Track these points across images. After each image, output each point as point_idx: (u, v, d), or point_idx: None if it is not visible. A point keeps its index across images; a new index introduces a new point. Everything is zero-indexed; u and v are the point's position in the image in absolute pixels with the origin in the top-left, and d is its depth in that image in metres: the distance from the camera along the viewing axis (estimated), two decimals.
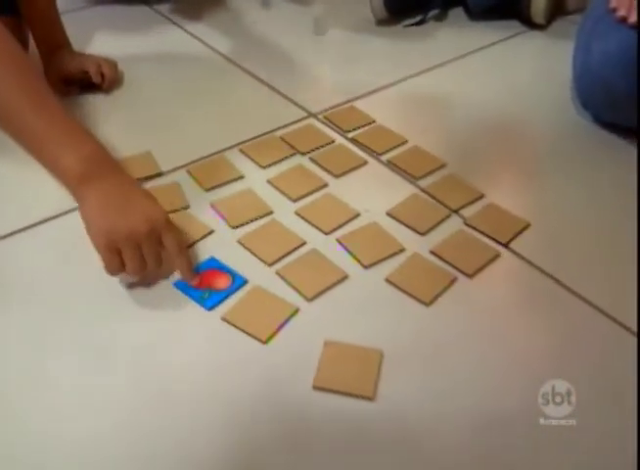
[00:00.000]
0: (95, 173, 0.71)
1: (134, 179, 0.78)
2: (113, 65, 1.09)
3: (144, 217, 0.70)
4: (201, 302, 0.71)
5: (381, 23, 1.33)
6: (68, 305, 0.72)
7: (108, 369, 0.65)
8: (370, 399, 0.62)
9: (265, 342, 0.68)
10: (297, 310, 0.71)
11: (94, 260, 0.71)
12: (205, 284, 0.73)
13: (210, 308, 0.71)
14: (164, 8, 1.39)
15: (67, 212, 0.82)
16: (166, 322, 0.70)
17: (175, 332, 0.69)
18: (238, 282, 0.74)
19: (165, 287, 0.73)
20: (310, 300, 0.72)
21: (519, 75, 1.19)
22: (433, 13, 1.35)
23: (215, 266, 0.75)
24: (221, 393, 0.63)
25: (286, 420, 0.61)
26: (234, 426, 0.61)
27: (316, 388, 0.63)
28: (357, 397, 0.63)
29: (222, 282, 0.74)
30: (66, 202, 0.79)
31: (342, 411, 0.62)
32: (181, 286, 0.73)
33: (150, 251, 0.70)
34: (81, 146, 0.72)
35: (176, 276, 0.74)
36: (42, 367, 0.65)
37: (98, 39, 1.26)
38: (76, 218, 0.79)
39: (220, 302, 0.72)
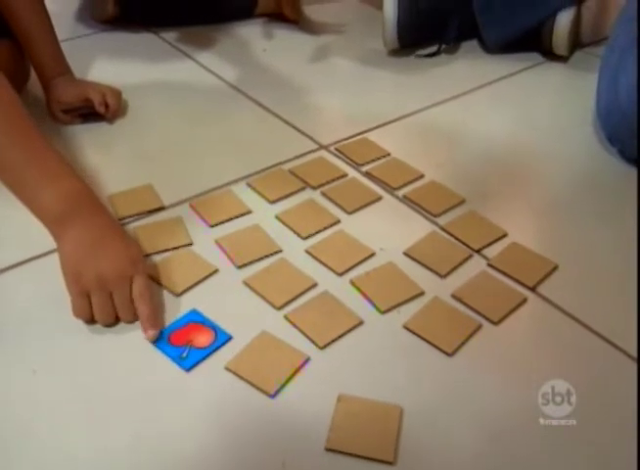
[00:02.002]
0: (72, 213, 0.69)
1: (113, 219, 0.75)
2: (117, 94, 1.05)
3: (114, 261, 0.68)
4: (178, 362, 0.64)
5: (392, 53, 1.30)
6: (53, 347, 0.66)
7: (100, 423, 0.59)
8: (390, 463, 0.56)
9: (272, 395, 0.61)
10: (307, 360, 0.65)
11: None
12: (185, 340, 0.66)
13: (189, 369, 0.64)
14: (171, 36, 1.36)
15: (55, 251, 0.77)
16: (164, 370, 0.64)
17: (172, 382, 0.63)
18: (221, 339, 0.67)
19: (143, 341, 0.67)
20: (322, 348, 0.66)
21: (538, 108, 1.15)
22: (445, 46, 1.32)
23: (197, 320, 0.69)
24: (221, 452, 0.57)
25: None
26: None
27: (329, 450, 0.57)
28: (376, 460, 0.56)
29: (204, 339, 0.67)
30: (49, 242, 0.74)
31: None
32: (159, 343, 0.66)
33: (120, 299, 0.67)
34: (60, 184, 0.70)
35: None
36: (27, 422, 0.59)
37: (102, 67, 1.22)
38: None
39: (200, 361, 0.65)
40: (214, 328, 0.68)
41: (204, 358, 0.65)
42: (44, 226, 0.70)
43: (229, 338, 0.67)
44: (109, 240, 0.70)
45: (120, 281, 0.67)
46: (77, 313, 0.67)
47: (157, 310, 0.69)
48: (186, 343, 0.66)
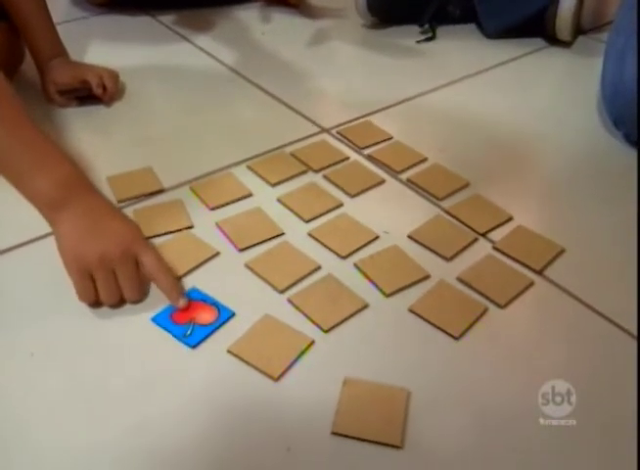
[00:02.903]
0: (68, 198, 0.68)
1: (109, 202, 0.73)
2: (114, 76, 1.03)
3: (116, 239, 0.66)
4: (183, 340, 0.63)
5: (373, 27, 1.31)
6: (51, 333, 0.65)
7: (99, 407, 0.58)
8: (397, 446, 0.55)
9: (276, 379, 0.60)
10: (312, 343, 0.64)
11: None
12: (188, 318, 0.65)
13: (195, 346, 0.63)
14: (167, 19, 1.34)
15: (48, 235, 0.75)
16: (165, 354, 0.63)
17: (174, 366, 0.62)
18: (224, 315, 0.66)
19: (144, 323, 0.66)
20: (327, 331, 0.65)
21: (542, 92, 1.14)
22: (441, 27, 1.30)
23: (198, 298, 0.68)
24: (225, 436, 0.56)
25: None
26: None
27: (335, 433, 0.56)
28: (383, 444, 0.55)
29: (207, 316, 0.66)
30: (46, 225, 0.73)
31: (366, 461, 0.54)
32: (160, 321, 0.65)
33: (125, 276, 0.65)
34: (56, 169, 0.69)
35: (159, 306, 0.67)
36: (24, 407, 0.58)
37: (98, 50, 1.20)
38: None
39: (205, 338, 0.64)
40: (217, 305, 0.67)
41: (208, 335, 0.64)
42: (39, 212, 0.69)
43: (232, 314, 0.66)
44: (107, 220, 0.69)
45: (124, 258, 0.65)
46: (82, 296, 0.66)
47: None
48: (189, 320, 0.65)
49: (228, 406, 0.58)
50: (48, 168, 0.69)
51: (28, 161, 0.69)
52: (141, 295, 0.67)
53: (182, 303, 0.66)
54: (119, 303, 0.67)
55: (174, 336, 0.64)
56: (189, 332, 0.64)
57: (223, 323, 0.65)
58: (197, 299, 0.67)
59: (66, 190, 0.68)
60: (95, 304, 0.67)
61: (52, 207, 0.68)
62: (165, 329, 0.64)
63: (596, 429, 0.57)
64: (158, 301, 0.67)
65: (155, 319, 0.65)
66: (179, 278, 0.70)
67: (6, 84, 0.72)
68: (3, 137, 0.69)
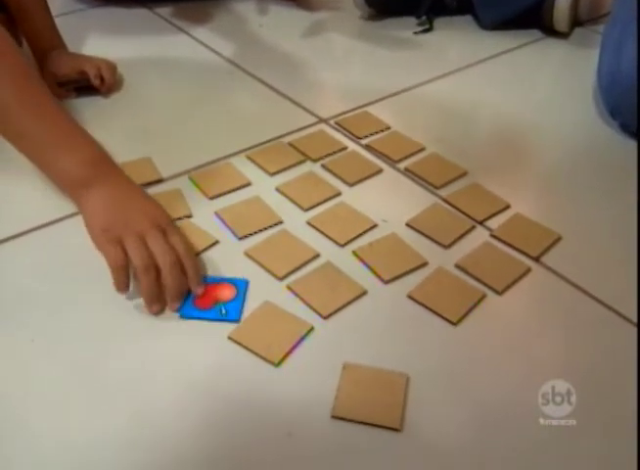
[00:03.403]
0: (95, 177, 0.68)
1: (135, 183, 0.74)
2: (112, 67, 1.04)
3: (144, 213, 0.67)
4: (224, 318, 0.64)
5: (370, 18, 1.32)
6: (51, 320, 0.65)
7: (99, 395, 0.58)
8: (397, 429, 0.55)
9: (277, 364, 0.61)
10: (311, 329, 0.64)
11: (78, 274, 0.67)
12: (212, 301, 0.66)
13: (238, 319, 0.64)
14: (165, 11, 1.34)
15: (53, 222, 0.76)
16: (165, 342, 0.63)
17: (175, 353, 0.62)
18: (241, 285, 0.68)
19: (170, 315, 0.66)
20: (326, 317, 0.66)
21: (539, 83, 1.14)
22: (438, 18, 1.30)
23: (210, 281, 0.68)
24: (226, 423, 0.56)
25: (301, 454, 0.54)
26: (242, 460, 0.54)
27: (335, 417, 0.56)
28: (382, 427, 0.56)
29: (227, 292, 0.67)
30: (51, 212, 0.76)
31: (366, 443, 0.55)
32: (189, 313, 0.65)
33: (157, 242, 0.64)
34: (82, 149, 0.70)
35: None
36: (24, 394, 0.58)
37: (96, 42, 1.20)
38: (62, 230, 0.75)
39: (241, 308, 0.65)
40: (229, 280, 0.68)
41: (242, 306, 0.65)
42: (65, 192, 0.69)
43: (247, 282, 0.68)
44: (135, 197, 0.69)
45: (154, 229, 0.65)
46: (113, 260, 0.63)
47: None
48: (215, 302, 0.66)
49: (229, 392, 0.59)
50: (74, 148, 0.70)
51: (54, 141, 0.69)
52: (178, 257, 0.65)
53: (201, 290, 0.66)
54: (154, 270, 0.64)
55: (212, 319, 0.64)
56: (223, 310, 0.65)
57: (245, 291, 0.67)
58: (208, 282, 0.68)
59: (92, 169, 0.69)
60: (126, 273, 0.64)
61: (78, 186, 0.68)
62: (198, 318, 0.65)
63: (596, 423, 0.57)
64: None
65: (183, 313, 0.65)
66: None
67: (24, 59, 0.72)
68: (27, 117, 0.69)
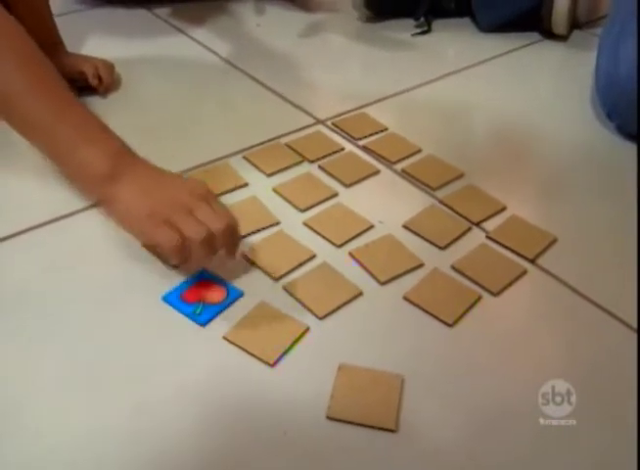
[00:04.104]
0: (121, 169, 0.66)
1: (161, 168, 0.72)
2: (110, 67, 1.04)
3: (185, 188, 0.65)
4: (193, 317, 0.64)
5: (368, 20, 1.32)
6: (51, 318, 0.65)
7: (98, 393, 0.58)
8: (392, 430, 0.55)
9: (272, 365, 0.61)
10: (307, 330, 0.64)
11: (78, 272, 0.67)
12: (198, 298, 0.66)
13: (205, 324, 0.64)
14: (163, 11, 1.34)
15: (53, 221, 0.76)
16: (159, 340, 0.63)
17: (169, 352, 0.62)
18: (233, 295, 0.67)
19: (153, 302, 0.66)
20: (322, 318, 0.66)
21: (536, 85, 1.14)
22: (436, 20, 1.31)
23: (207, 278, 0.69)
24: (221, 423, 0.56)
25: (296, 456, 0.54)
26: (237, 461, 0.54)
27: (331, 418, 0.56)
28: (378, 428, 0.56)
29: (216, 295, 0.67)
30: (49, 211, 0.76)
31: (361, 444, 0.55)
32: (171, 300, 0.66)
33: (202, 211, 0.63)
34: (103, 141, 0.68)
35: (165, 289, 0.67)
36: (23, 385, 0.58)
37: (94, 43, 1.20)
38: (62, 228, 0.75)
39: (215, 316, 0.65)
40: (225, 285, 0.68)
41: (217, 314, 0.65)
42: (83, 188, 0.67)
43: (241, 294, 0.67)
44: (166, 176, 0.68)
45: (198, 200, 0.63)
46: (168, 242, 0.61)
47: None
48: (199, 299, 0.66)
49: (224, 393, 0.59)
50: (95, 140, 0.67)
51: (72, 133, 0.66)
52: (233, 220, 0.64)
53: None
54: (210, 241, 0.63)
55: (184, 314, 0.65)
56: (199, 310, 0.65)
57: (232, 302, 0.66)
58: (206, 279, 0.68)
59: (116, 160, 0.66)
60: (184, 249, 0.62)
61: (103, 180, 0.65)
62: (175, 308, 0.65)
63: (594, 423, 0.57)
64: (167, 281, 0.68)
65: (165, 298, 0.66)
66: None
67: (35, 46, 0.70)
68: (41, 107, 0.66)
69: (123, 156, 0.68)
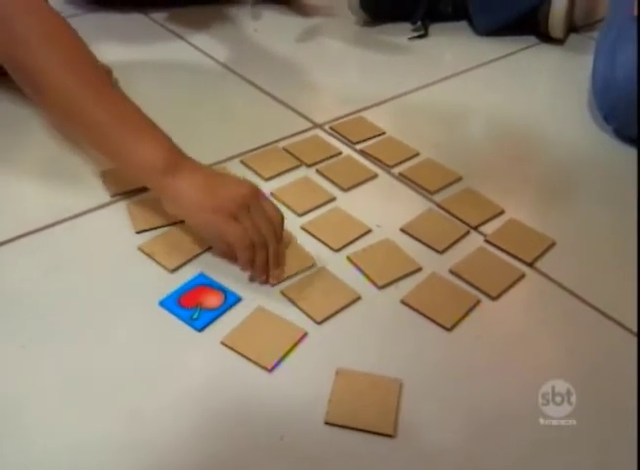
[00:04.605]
0: (178, 163, 0.68)
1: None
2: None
3: (242, 186, 0.68)
4: (190, 322, 0.64)
5: (365, 24, 1.32)
6: (48, 321, 0.64)
7: (92, 401, 0.58)
8: (390, 435, 0.55)
9: (270, 370, 0.60)
10: (304, 335, 0.64)
11: (76, 276, 0.67)
12: (195, 302, 0.66)
13: (201, 330, 0.64)
14: (160, 16, 1.34)
15: (51, 225, 0.76)
16: (156, 345, 0.63)
17: (166, 357, 0.62)
18: (231, 300, 0.67)
19: (150, 306, 0.66)
20: (320, 323, 0.65)
21: (533, 88, 1.14)
22: (433, 24, 1.31)
23: (205, 283, 0.68)
24: (218, 428, 0.56)
25: (294, 461, 0.54)
26: (234, 465, 0.53)
27: (328, 423, 0.56)
28: (376, 433, 0.55)
29: (213, 300, 0.67)
30: (46, 216, 0.76)
31: (359, 449, 0.55)
32: (168, 305, 0.66)
33: (258, 212, 0.67)
34: (157, 137, 0.69)
35: (162, 293, 0.67)
36: (22, 389, 0.58)
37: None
38: (59, 232, 0.75)
39: (211, 321, 0.64)
40: (223, 290, 0.68)
41: (214, 319, 0.65)
42: (144, 181, 0.70)
43: (239, 299, 0.67)
44: (218, 174, 0.72)
45: (254, 198, 0.67)
46: (241, 240, 0.66)
47: None
48: (196, 304, 0.66)
49: (222, 397, 0.58)
50: (150, 136, 0.69)
51: (129, 131, 0.69)
52: (274, 226, 0.69)
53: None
54: (265, 244, 0.68)
55: (181, 319, 0.64)
56: (196, 315, 0.65)
57: (230, 307, 0.66)
58: (204, 284, 0.68)
59: (172, 155, 0.68)
60: (252, 250, 0.67)
61: (163, 173, 0.67)
62: (172, 312, 0.65)
63: (594, 423, 0.57)
64: (164, 285, 0.68)
65: (162, 303, 0.66)
66: (173, 271, 0.70)
67: (84, 44, 0.72)
68: (96, 107, 0.68)
69: (177, 152, 0.70)
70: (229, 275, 0.69)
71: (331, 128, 0.97)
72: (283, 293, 0.68)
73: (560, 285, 0.71)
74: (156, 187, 0.69)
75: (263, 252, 0.67)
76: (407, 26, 1.30)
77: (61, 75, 0.69)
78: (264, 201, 0.69)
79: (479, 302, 0.68)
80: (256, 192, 0.69)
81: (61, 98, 0.69)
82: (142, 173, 0.68)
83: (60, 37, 0.72)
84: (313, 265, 0.71)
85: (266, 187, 0.83)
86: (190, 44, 1.23)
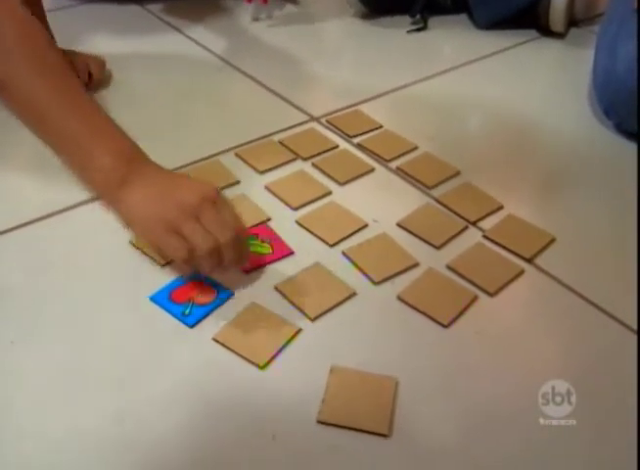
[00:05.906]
0: (135, 173, 0.64)
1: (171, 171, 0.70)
2: (101, 63, 1.02)
3: (192, 191, 0.63)
4: (181, 318, 0.63)
5: (364, 17, 1.30)
6: (37, 315, 0.63)
7: (81, 395, 0.57)
8: (385, 435, 0.54)
9: (262, 367, 0.59)
10: (298, 331, 0.63)
11: (66, 270, 0.66)
12: (187, 298, 0.65)
13: (192, 326, 0.63)
14: (156, 8, 1.32)
15: (42, 218, 0.74)
16: (147, 340, 0.62)
17: (157, 353, 0.61)
18: (223, 295, 0.66)
19: (141, 302, 0.65)
20: (314, 319, 0.64)
21: (533, 82, 1.13)
22: (432, 17, 1.29)
23: (197, 278, 0.67)
24: (210, 425, 0.55)
25: (285, 459, 0.53)
26: (225, 462, 0.52)
27: (321, 422, 0.55)
28: (370, 433, 0.54)
29: (205, 296, 0.66)
30: (37, 209, 0.75)
31: (353, 449, 0.53)
32: (159, 300, 0.65)
33: (210, 218, 0.61)
34: (118, 145, 0.66)
35: (153, 288, 0.66)
36: (11, 384, 0.57)
37: (85, 39, 1.18)
38: (49, 226, 0.74)
39: (203, 317, 0.63)
40: (215, 285, 0.66)
41: (206, 315, 0.64)
42: (98, 190, 0.66)
43: (231, 294, 0.66)
44: (175, 178, 0.67)
45: (206, 203, 0.62)
46: (177, 253, 0.61)
47: None
48: (188, 300, 0.65)
49: (213, 394, 0.57)
50: (110, 145, 0.65)
51: (89, 136, 0.65)
52: (240, 232, 0.63)
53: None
54: (217, 252, 0.61)
55: (173, 315, 0.63)
56: (187, 311, 0.64)
57: (222, 303, 0.65)
58: (196, 279, 0.67)
59: (130, 164, 0.65)
60: (192, 259, 0.61)
61: (120, 183, 0.63)
62: (164, 308, 0.64)
63: (589, 422, 0.56)
64: (155, 280, 0.67)
65: (154, 298, 0.65)
66: (164, 265, 0.69)
67: (61, 56, 0.69)
68: (59, 108, 0.66)
69: (135, 159, 0.66)
70: (230, 272, 0.67)
71: (327, 121, 0.96)
72: (276, 288, 0.67)
73: (560, 281, 0.70)
74: (105, 198, 0.66)
75: (212, 262, 0.62)
76: (406, 19, 1.29)
77: (28, 78, 0.66)
78: (222, 205, 0.64)
79: (476, 298, 0.67)
80: (211, 197, 0.63)
81: (24, 99, 0.66)
82: (93, 184, 0.66)
83: (32, 40, 0.69)
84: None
85: (261, 180, 0.82)
86: (186, 36, 1.22)
